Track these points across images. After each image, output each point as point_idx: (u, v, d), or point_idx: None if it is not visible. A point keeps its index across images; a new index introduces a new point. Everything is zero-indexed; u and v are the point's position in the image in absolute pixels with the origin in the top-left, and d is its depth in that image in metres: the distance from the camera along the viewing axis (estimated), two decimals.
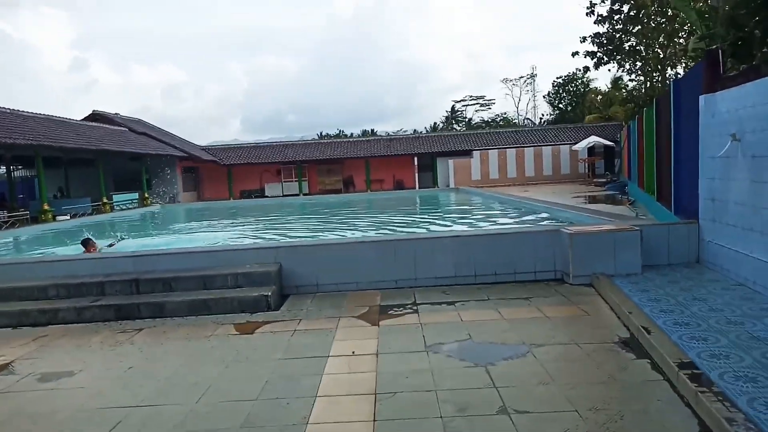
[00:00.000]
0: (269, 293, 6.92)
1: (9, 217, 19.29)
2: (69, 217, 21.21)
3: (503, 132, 41.19)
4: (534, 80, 72.52)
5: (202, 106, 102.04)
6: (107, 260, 7.79)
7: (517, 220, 13.65)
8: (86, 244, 11.53)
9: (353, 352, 5.06)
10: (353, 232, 13.41)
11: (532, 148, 34.89)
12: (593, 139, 30.59)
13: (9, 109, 21.45)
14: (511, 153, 34.45)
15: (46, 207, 20.36)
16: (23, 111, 22.26)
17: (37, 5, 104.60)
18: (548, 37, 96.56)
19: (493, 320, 5.84)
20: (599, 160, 32.16)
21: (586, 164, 32.27)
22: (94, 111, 32.53)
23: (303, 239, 9.42)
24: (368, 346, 5.21)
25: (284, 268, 7.70)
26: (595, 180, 28.01)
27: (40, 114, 23.59)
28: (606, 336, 5.10)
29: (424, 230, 12.70)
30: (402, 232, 12.36)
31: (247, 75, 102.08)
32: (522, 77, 72.19)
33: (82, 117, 31.56)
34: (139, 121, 37.18)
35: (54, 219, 20.48)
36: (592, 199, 18.89)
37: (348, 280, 7.67)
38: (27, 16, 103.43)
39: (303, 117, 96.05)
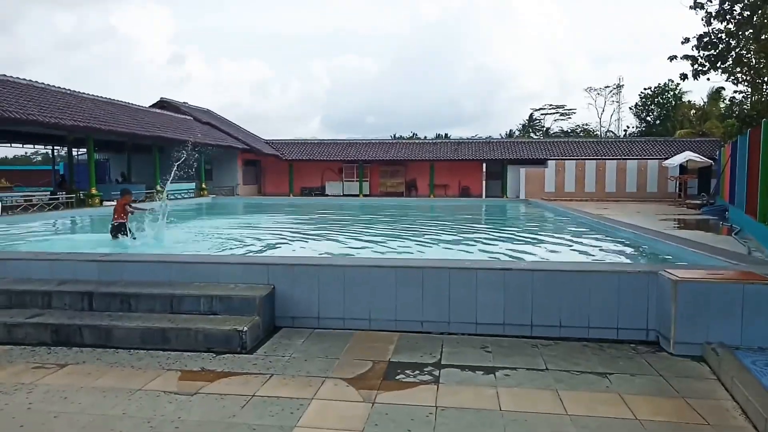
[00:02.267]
0: (245, 328, 5.15)
1: (50, 199, 18.89)
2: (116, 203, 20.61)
3: (583, 142, 37.87)
4: (620, 90, 67.66)
5: (286, 103, 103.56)
6: (66, 263, 6.30)
7: (593, 245, 11.22)
8: (123, 193, 10.64)
9: None
10: (384, 244, 11.47)
11: (614, 161, 31.54)
12: (687, 156, 27.03)
13: (66, 89, 21.23)
14: (590, 165, 31.29)
15: (93, 191, 19.84)
16: (81, 92, 22.04)
17: (144, 1, 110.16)
18: (637, 47, 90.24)
19: (547, 413, 3.76)
20: (693, 179, 28.47)
21: (677, 183, 28.66)
22: (161, 98, 32.51)
23: (304, 257, 7.49)
24: None
25: (278, 292, 5.93)
26: (687, 201, 24.59)
27: (100, 96, 23.36)
28: None
29: (468, 255, 9.58)
30: (448, 253, 9.76)
31: (329, 74, 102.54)
32: (608, 86, 67.62)
33: (150, 104, 31.55)
34: (207, 112, 37.03)
35: (101, 203, 19.93)
36: (684, 224, 15.99)
37: (359, 315, 5.79)
38: (133, 11, 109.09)
39: (381, 118, 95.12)
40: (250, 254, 9.73)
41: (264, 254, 9.93)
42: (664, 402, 3.97)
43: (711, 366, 4.66)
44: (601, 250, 10.26)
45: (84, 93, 22.23)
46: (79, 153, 35.88)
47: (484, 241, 12.17)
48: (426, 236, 12.94)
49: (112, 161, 34.16)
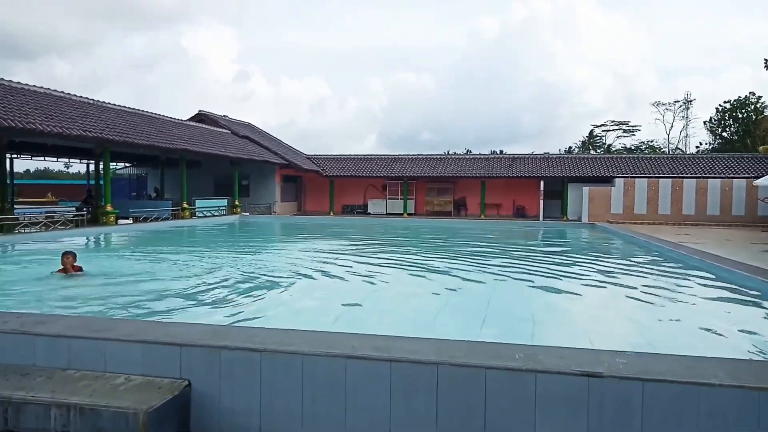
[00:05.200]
0: None
1: (75, 216, 17.48)
2: (131, 221, 19.03)
3: (655, 158, 34.02)
4: (690, 105, 62.60)
5: (343, 120, 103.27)
6: None
7: (704, 301, 8.12)
8: (63, 255, 8.49)
9: None
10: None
11: (693, 179, 27.73)
12: None
13: (87, 98, 19.93)
14: (665, 184, 27.60)
15: (108, 208, 18.27)
16: (104, 102, 20.73)
17: (212, 23, 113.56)
18: (706, 61, 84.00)
19: None
20: None
21: None
22: (200, 111, 31.30)
23: (246, 329, 3.99)
24: None
25: (197, 392, 3.52)
26: None
27: (125, 107, 22.05)
28: None
29: (521, 329, 6.01)
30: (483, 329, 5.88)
31: (386, 91, 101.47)
32: (677, 101, 62.69)
33: (188, 117, 30.37)
34: (248, 126, 35.71)
35: (116, 222, 18.34)
36: None
37: None
38: (202, 31, 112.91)
39: (436, 135, 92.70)
40: (158, 321, 5.63)
41: (177, 324, 4.77)
42: None
43: None
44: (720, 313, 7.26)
45: (107, 103, 20.94)
46: (117, 167, 35.41)
47: (545, 284, 9.38)
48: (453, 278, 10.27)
49: (150, 176, 33.26)
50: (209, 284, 8.22)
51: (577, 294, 8.40)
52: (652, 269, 10.72)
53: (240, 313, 6.60)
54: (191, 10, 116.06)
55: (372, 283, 8.88)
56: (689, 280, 9.19)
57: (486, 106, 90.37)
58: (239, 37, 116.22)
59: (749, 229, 23.17)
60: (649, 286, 8.85)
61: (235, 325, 5.38)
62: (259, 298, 7.62)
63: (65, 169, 62.87)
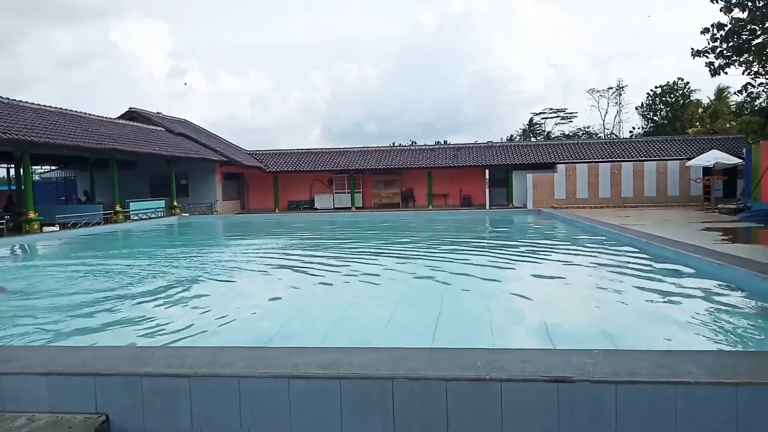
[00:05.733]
0: None
1: None
2: (58, 228, 17.74)
3: (594, 143, 35.02)
4: (623, 92, 65.11)
5: (285, 114, 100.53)
6: None
7: (640, 278, 8.22)
8: None
9: None
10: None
11: (631, 163, 28.63)
12: (715, 155, 24.15)
13: (2, 97, 18.37)
14: (604, 168, 28.37)
15: (31, 215, 16.93)
16: (20, 101, 19.17)
17: (143, 17, 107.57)
18: (637, 48, 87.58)
19: None
20: (718, 180, 25.52)
21: (703, 185, 25.76)
22: (130, 108, 29.70)
23: (176, 350, 4.08)
24: None
25: (116, 428, 3.04)
26: (720, 206, 21.62)
27: (46, 106, 20.50)
28: None
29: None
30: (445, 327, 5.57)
31: (328, 84, 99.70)
32: (611, 87, 65.07)
33: (118, 115, 28.75)
34: (184, 122, 34.25)
35: (41, 229, 17.04)
36: (731, 235, 13.10)
37: None
38: (133, 26, 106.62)
39: (380, 127, 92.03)
40: (68, 346, 5.00)
41: (90, 349, 4.30)
42: None
43: None
44: (651, 290, 7.26)
45: (25, 102, 19.38)
46: (43, 171, 33.24)
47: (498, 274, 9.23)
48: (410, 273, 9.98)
49: (79, 179, 31.37)
50: (131, 296, 7.44)
51: (533, 280, 8.28)
52: (604, 254, 10.78)
53: (166, 329, 5.78)
54: (120, 3, 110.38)
55: (320, 285, 8.43)
56: (639, 263, 9.25)
57: (428, 98, 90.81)
58: (172, 32, 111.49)
59: (684, 209, 24.10)
60: (603, 273, 8.85)
61: (160, 346, 4.56)
62: (190, 310, 6.86)
63: None
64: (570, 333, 5.58)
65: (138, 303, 7.11)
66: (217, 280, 8.92)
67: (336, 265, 10.12)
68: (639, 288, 7.31)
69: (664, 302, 6.54)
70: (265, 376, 3.02)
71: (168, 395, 3.05)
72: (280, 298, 7.63)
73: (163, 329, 5.77)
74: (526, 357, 3.13)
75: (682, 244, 9.96)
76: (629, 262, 9.42)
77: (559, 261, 10.46)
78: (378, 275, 8.98)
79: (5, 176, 26.32)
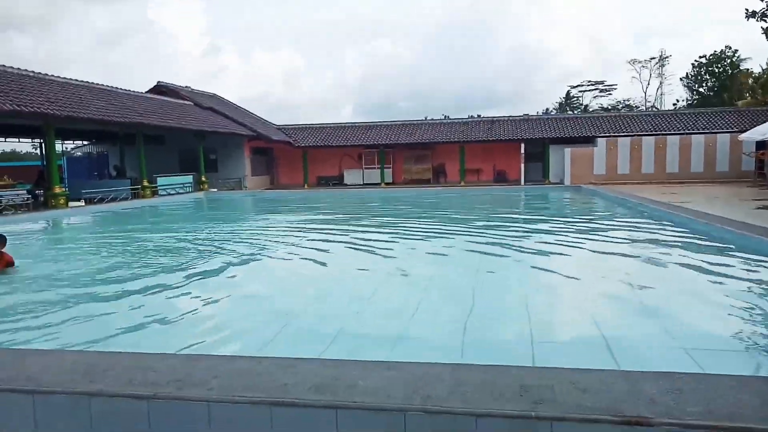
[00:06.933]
0: None
1: (29, 199, 16.04)
2: (83, 203, 17.57)
3: (636, 116, 33.18)
4: (666, 62, 61.79)
5: (318, 91, 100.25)
6: None
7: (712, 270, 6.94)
8: None
9: None
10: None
11: (677, 136, 26.93)
12: None
13: (27, 71, 18.11)
14: (648, 142, 26.77)
15: (57, 190, 16.77)
16: (46, 74, 18.93)
17: None
18: (680, 21, 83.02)
19: None
20: None
21: (757, 160, 24.02)
22: (158, 82, 29.38)
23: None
24: None
25: None
26: None
27: (73, 80, 20.22)
28: None
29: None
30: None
31: (361, 61, 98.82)
32: (653, 58, 61.84)
33: (146, 90, 28.50)
34: (213, 96, 33.86)
35: (67, 204, 16.88)
36: None
37: None
38: (170, 2, 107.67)
39: (414, 103, 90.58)
40: (13, 349, 4.21)
41: (31, 352, 3.59)
42: None
43: None
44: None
45: (50, 75, 19.13)
46: (76, 146, 33.46)
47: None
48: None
49: (111, 154, 31.44)
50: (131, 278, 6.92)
51: (577, 268, 7.43)
52: (661, 236, 9.77)
53: (142, 325, 5.02)
54: None
55: (340, 271, 7.78)
56: (703, 247, 8.23)
57: (463, 73, 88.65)
58: (207, 10, 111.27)
59: (734, 185, 22.53)
60: (660, 257, 7.91)
61: (126, 352, 3.40)
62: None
63: (33, 150, 59.48)
64: (634, 342, 4.56)
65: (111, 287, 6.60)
66: (231, 257, 8.38)
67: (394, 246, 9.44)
68: (715, 283, 6.29)
69: (748, 301, 5.57)
70: (241, 401, 2.35)
71: (121, 421, 2.42)
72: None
73: (143, 322, 5.21)
74: (584, 383, 2.37)
75: (749, 226, 8.85)
76: (694, 248, 8.37)
77: (606, 246, 9.49)
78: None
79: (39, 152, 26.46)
